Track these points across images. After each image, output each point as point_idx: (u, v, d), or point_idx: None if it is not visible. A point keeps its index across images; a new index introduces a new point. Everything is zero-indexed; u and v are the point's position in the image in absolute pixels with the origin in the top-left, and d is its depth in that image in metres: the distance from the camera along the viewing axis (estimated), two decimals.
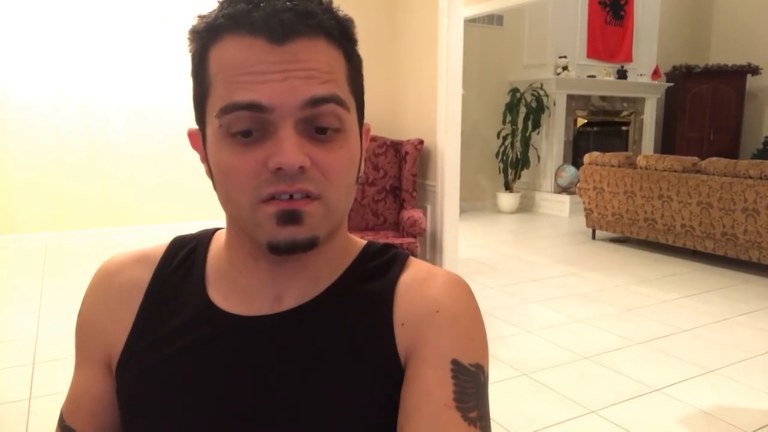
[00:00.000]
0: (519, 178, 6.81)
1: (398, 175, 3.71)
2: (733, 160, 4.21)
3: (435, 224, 3.66)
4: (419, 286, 0.59)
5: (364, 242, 0.66)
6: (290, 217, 0.52)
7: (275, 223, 0.52)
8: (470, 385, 0.54)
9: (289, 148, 0.49)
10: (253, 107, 0.50)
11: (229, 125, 0.51)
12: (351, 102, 0.55)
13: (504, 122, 6.61)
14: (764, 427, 2.14)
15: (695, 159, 4.47)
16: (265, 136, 0.51)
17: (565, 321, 3.24)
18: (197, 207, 5.44)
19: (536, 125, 6.59)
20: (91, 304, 0.64)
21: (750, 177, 4.04)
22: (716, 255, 4.41)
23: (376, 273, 0.61)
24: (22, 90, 4.67)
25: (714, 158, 4.36)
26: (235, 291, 0.59)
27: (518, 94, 6.56)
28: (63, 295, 3.56)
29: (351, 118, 0.55)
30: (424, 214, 3.67)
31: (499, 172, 6.82)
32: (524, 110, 6.58)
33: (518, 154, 6.62)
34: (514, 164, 6.67)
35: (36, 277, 3.94)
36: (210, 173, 0.56)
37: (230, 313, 0.58)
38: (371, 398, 0.55)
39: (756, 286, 3.93)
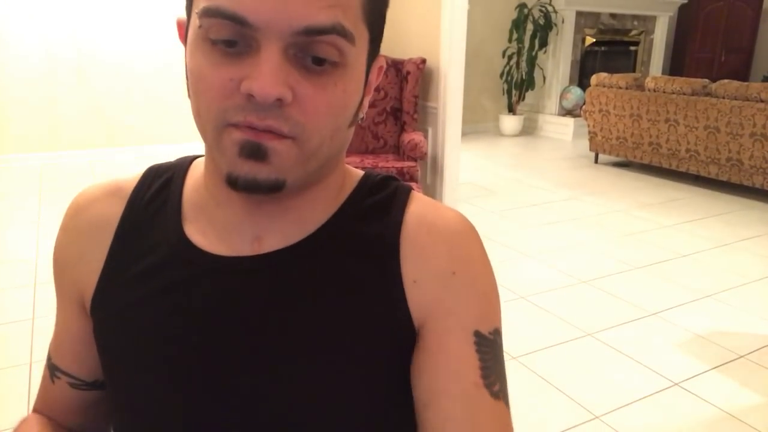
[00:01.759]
0: (523, 99, 6.65)
1: (399, 96, 3.60)
2: (745, 83, 4.08)
3: (436, 147, 3.60)
4: (428, 234, 0.53)
5: (361, 174, 0.58)
6: (253, 151, 0.44)
7: (237, 152, 0.44)
8: (491, 356, 0.51)
9: (268, 74, 0.41)
10: (237, 20, 0.41)
11: (208, 30, 0.43)
12: (362, 33, 0.46)
13: (510, 40, 6.37)
14: (757, 350, 2.18)
15: (705, 81, 4.34)
16: (248, 50, 0.42)
17: (564, 245, 3.24)
18: (193, 126, 5.33)
19: (543, 44, 6.35)
20: (63, 243, 0.60)
21: (762, 101, 3.92)
22: (719, 180, 4.36)
23: (375, 211, 0.54)
24: (7, 5, 4.45)
25: (725, 81, 4.22)
26: (212, 226, 0.53)
27: (526, 10, 6.28)
28: (61, 216, 3.55)
29: (356, 52, 0.45)
30: (425, 137, 3.59)
31: (503, 94, 6.65)
32: (531, 28, 6.33)
33: (523, 74, 6.42)
34: (518, 85, 6.49)
35: (33, 198, 3.91)
36: (186, 79, 0.48)
37: (208, 252, 0.52)
38: (371, 348, 0.50)
39: (758, 211, 3.91)
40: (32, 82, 4.67)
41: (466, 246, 0.53)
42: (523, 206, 3.98)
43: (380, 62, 0.52)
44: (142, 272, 0.54)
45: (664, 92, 4.56)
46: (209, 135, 0.46)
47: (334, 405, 0.50)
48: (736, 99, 4.08)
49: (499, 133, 6.83)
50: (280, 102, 0.42)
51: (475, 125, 6.82)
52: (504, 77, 6.48)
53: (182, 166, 0.59)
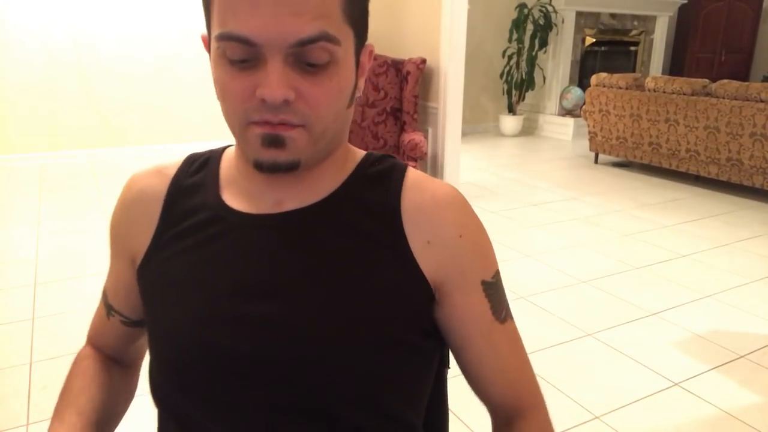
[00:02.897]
0: (523, 99, 6.65)
1: (399, 96, 3.60)
2: (745, 83, 4.08)
3: (436, 147, 3.60)
4: (433, 202, 0.64)
5: (363, 152, 0.70)
6: (273, 141, 0.56)
7: (260, 144, 0.56)
8: (494, 294, 0.66)
9: (275, 82, 0.52)
10: (243, 41, 0.52)
11: (224, 51, 0.54)
12: (346, 32, 0.56)
13: (510, 40, 6.37)
14: (757, 350, 2.18)
15: (705, 81, 4.34)
16: (258, 64, 0.53)
17: (565, 245, 3.24)
18: (192, 127, 5.34)
19: (543, 44, 6.35)
20: (119, 213, 0.72)
21: (762, 101, 3.92)
22: (719, 180, 4.37)
23: (378, 180, 0.66)
24: (8, 5, 4.45)
25: (725, 81, 4.22)
26: (241, 194, 0.65)
27: (526, 10, 6.28)
28: (60, 216, 3.55)
29: (343, 50, 0.55)
30: (425, 137, 3.59)
31: (503, 94, 6.65)
32: (531, 28, 6.33)
33: (523, 74, 6.42)
34: (518, 85, 6.49)
35: (33, 198, 3.91)
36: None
37: (239, 210, 0.64)
38: (378, 287, 0.60)
39: (758, 211, 3.91)
40: (32, 83, 4.67)
41: (465, 212, 0.66)
42: (523, 206, 3.98)
43: (369, 48, 0.62)
44: (186, 229, 0.66)
45: (664, 92, 4.56)
46: (236, 130, 0.58)
47: (341, 331, 0.59)
48: (736, 99, 4.08)
49: (499, 133, 6.83)
50: (286, 102, 0.53)
51: (475, 125, 6.82)
52: (504, 77, 6.48)
53: (217, 151, 0.72)
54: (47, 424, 1.68)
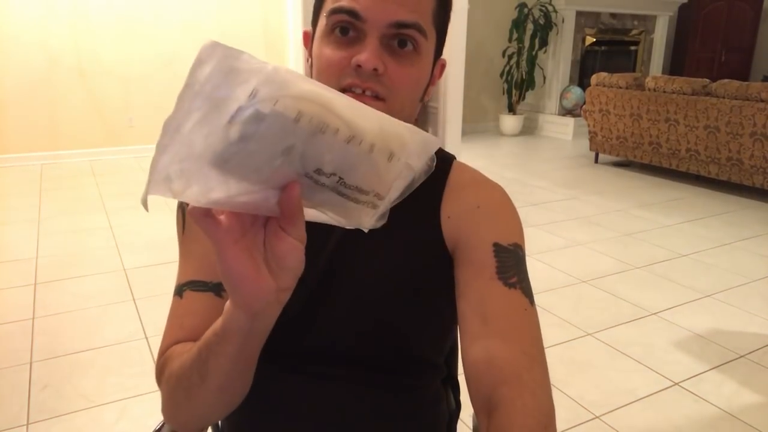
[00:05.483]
0: (523, 99, 6.64)
1: None
2: (745, 83, 4.08)
3: None
4: (463, 189, 0.74)
5: None
6: None
7: None
8: (510, 259, 0.68)
9: (370, 53, 0.63)
10: (352, 13, 0.63)
11: (333, 23, 0.65)
12: (431, 33, 0.67)
13: (510, 40, 6.37)
14: (757, 350, 2.18)
15: (706, 81, 4.33)
16: (356, 40, 0.64)
17: (565, 245, 3.24)
18: None
19: (543, 43, 6.35)
20: None
21: (762, 100, 3.92)
22: (720, 180, 4.36)
23: None
24: (8, 4, 4.45)
25: (725, 80, 4.22)
26: None
27: (526, 10, 6.28)
28: (61, 215, 3.55)
29: (427, 45, 0.67)
30: None
31: (503, 93, 6.64)
32: (531, 27, 6.33)
33: (524, 74, 6.42)
34: (518, 85, 6.48)
35: (33, 197, 3.91)
36: (310, 67, 0.70)
37: None
38: (413, 254, 0.72)
39: (758, 211, 3.91)
40: (32, 82, 4.66)
41: (492, 191, 0.74)
42: (523, 206, 3.98)
43: (442, 61, 0.74)
44: None
45: (665, 92, 4.56)
46: None
47: (382, 284, 0.70)
48: (736, 99, 4.08)
49: (499, 132, 6.83)
50: (375, 71, 0.63)
51: (475, 125, 6.81)
52: (504, 77, 6.48)
53: None
54: (47, 424, 1.68)
